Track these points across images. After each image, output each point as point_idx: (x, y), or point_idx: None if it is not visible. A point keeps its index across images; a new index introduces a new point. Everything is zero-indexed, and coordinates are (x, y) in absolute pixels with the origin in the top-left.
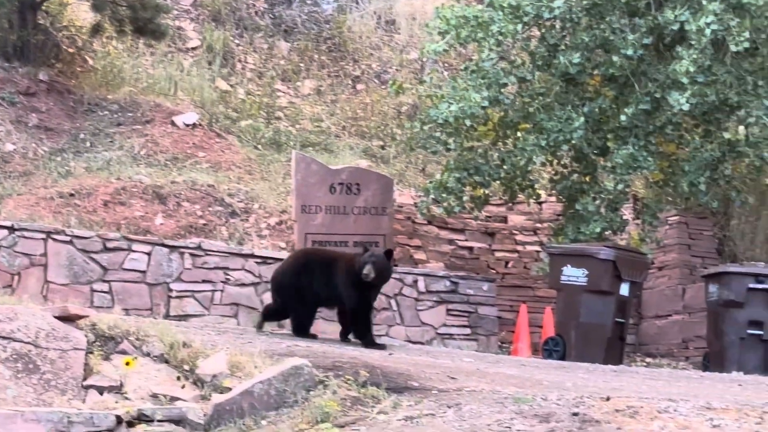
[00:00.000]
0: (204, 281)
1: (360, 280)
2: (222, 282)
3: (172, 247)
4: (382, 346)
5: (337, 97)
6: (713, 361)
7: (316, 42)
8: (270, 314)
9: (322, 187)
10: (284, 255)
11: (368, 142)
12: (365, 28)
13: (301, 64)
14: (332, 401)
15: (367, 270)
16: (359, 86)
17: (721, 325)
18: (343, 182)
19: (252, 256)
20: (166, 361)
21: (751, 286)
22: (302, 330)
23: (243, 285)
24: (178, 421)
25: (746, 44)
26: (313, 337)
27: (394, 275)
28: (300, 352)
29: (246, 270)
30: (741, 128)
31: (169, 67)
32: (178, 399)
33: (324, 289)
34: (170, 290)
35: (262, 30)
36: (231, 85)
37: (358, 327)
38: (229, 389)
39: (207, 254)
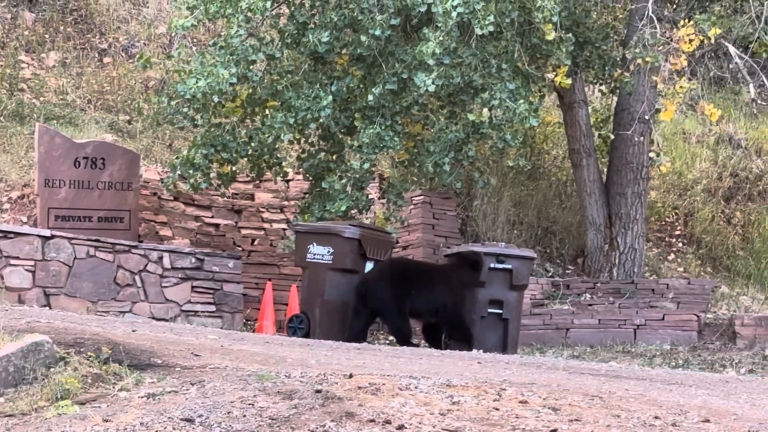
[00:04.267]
0: None
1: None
2: None
3: None
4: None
5: (83, 69)
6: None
7: (62, 13)
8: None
9: (66, 161)
10: (26, 229)
11: (114, 117)
12: (113, 1)
13: (46, 36)
14: (73, 378)
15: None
16: (106, 59)
17: None
18: (88, 156)
19: None
20: None
21: (492, 266)
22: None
23: None
24: None
25: (491, 28)
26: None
27: (138, 252)
28: (41, 329)
29: None
30: (485, 110)
31: None
32: None
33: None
34: None
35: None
36: None
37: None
38: None
39: None
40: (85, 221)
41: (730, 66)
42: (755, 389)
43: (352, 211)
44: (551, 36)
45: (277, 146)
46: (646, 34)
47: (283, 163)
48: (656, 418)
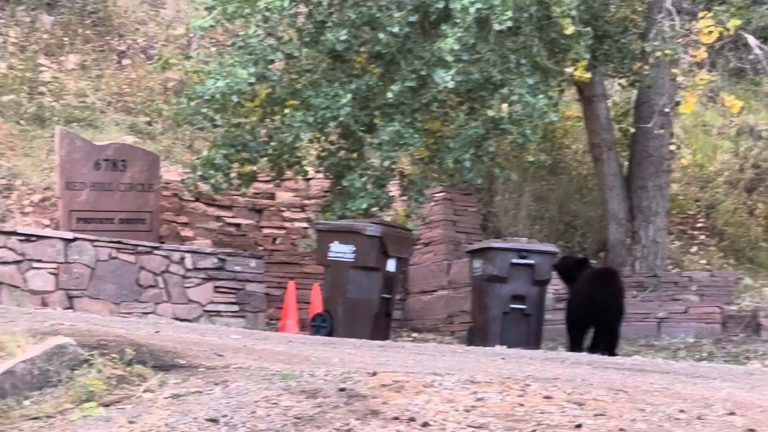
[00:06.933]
0: None
1: None
2: None
3: None
4: None
5: (102, 72)
6: (477, 335)
7: (81, 16)
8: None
9: (87, 163)
10: (48, 231)
11: (134, 118)
12: (131, 3)
13: (65, 39)
14: (97, 380)
15: None
16: (125, 61)
17: (485, 300)
18: (108, 158)
19: (14, 233)
20: None
21: (514, 261)
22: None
23: (5, 263)
24: None
25: (509, 23)
26: None
27: (161, 253)
28: (64, 331)
29: (8, 248)
30: (504, 106)
31: None
32: None
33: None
34: None
35: (24, 3)
36: None
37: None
38: None
39: None
40: (107, 223)
41: (750, 57)
42: None
43: (373, 209)
44: (570, 30)
45: (297, 145)
46: (665, 27)
47: (303, 162)
48: (681, 411)
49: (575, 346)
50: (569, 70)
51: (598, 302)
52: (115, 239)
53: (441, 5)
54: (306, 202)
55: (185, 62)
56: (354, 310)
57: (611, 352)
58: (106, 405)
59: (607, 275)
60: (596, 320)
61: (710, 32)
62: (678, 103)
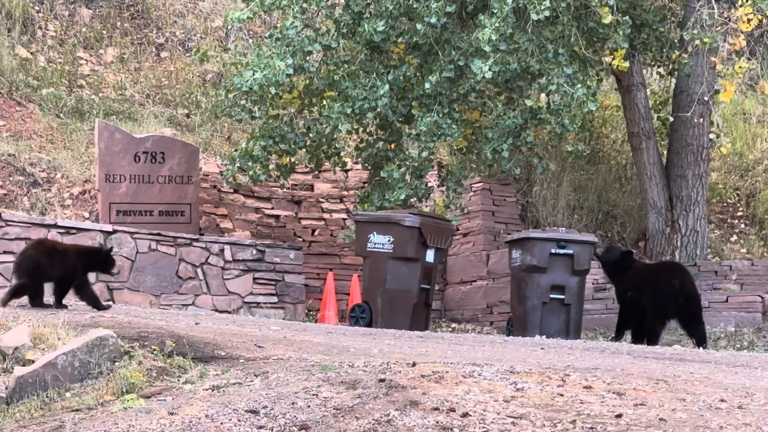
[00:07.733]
0: (5, 252)
1: None
2: None
3: None
4: None
5: (140, 64)
6: (517, 325)
7: (119, 9)
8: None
9: (126, 155)
10: (88, 224)
11: (173, 111)
12: None
13: (104, 32)
14: (138, 372)
15: None
16: (163, 54)
17: (524, 290)
18: (147, 151)
19: (55, 226)
20: None
21: (553, 251)
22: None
23: None
24: None
25: (547, 13)
26: None
27: (200, 245)
28: (105, 323)
29: None
30: (542, 96)
31: None
32: None
33: None
34: None
35: None
36: (31, 53)
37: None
38: (32, 362)
39: (8, 225)
40: (146, 215)
41: None
42: None
43: (412, 200)
44: (608, 19)
45: (335, 136)
46: (704, 15)
47: (342, 153)
48: (722, 401)
49: (657, 339)
50: (607, 59)
51: (684, 294)
52: (155, 231)
53: None
54: (344, 193)
55: (223, 54)
56: (393, 301)
57: (703, 342)
58: (147, 397)
59: (679, 267)
60: (682, 312)
61: (749, 20)
62: (717, 92)
